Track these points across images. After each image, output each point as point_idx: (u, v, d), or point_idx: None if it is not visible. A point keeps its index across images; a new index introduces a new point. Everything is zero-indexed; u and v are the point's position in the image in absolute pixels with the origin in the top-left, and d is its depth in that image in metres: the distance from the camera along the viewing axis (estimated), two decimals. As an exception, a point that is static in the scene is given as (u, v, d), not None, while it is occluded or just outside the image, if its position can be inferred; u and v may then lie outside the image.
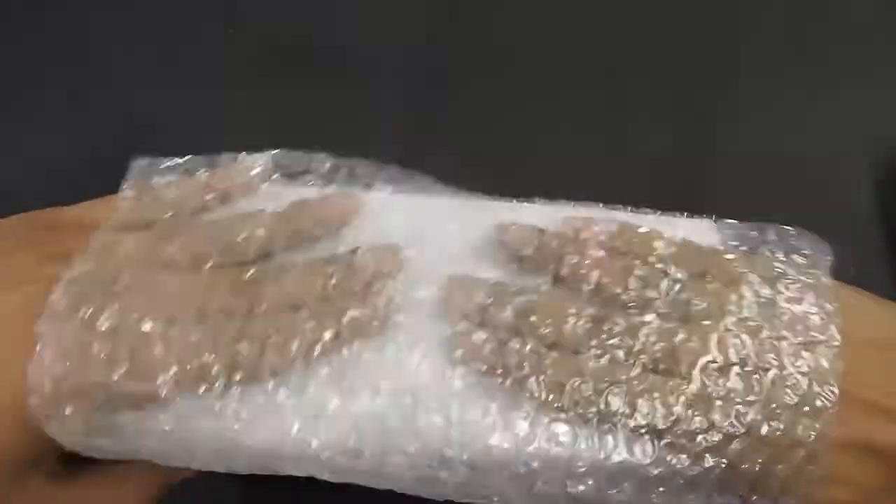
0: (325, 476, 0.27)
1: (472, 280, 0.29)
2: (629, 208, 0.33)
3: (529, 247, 0.29)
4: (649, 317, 0.28)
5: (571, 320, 0.27)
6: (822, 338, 0.27)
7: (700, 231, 0.32)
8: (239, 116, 0.34)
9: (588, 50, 0.48)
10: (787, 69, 0.48)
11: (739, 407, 0.26)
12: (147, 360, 0.25)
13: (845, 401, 0.26)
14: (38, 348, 0.25)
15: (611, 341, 0.27)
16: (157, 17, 0.48)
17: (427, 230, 0.31)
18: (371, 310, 0.28)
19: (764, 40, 0.49)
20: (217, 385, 0.26)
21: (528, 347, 0.27)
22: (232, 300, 0.27)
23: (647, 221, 0.32)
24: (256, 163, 0.31)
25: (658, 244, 0.29)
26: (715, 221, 0.33)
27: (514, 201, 0.33)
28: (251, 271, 0.28)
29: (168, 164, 0.32)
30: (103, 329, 0.26)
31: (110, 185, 0.31)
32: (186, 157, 0.31)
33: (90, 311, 0.26)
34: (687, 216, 0.33)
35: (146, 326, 0.26)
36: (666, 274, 0.28)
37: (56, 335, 0.25)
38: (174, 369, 0.25)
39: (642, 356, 0.27)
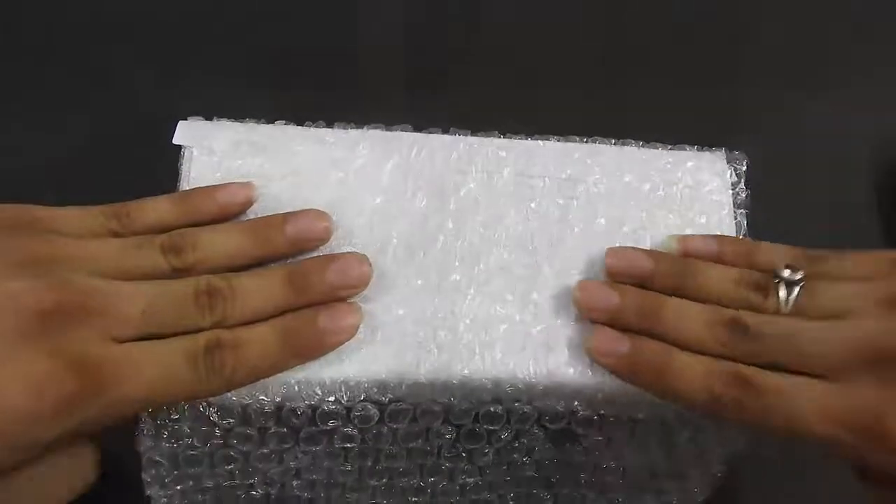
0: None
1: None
2: (640, 143, 0.33)
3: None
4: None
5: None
6: None
7: (709, 161, 0.32)
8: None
9: (588, 51, 0.48)
10: (787, 69, 0.48)
11: None
12: None
13: (873, 437, 0.24)
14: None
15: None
16: (158, 17, 0.48)
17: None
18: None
19: (764, 41, 0.50)
20: None
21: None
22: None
23: (657, 155, 0.32)
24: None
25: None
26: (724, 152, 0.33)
27: (529, 139, 0.33)
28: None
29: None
30: None
31: (110, 183, 0.31)
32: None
33: None
34: (697, 148, 0.33)
35: None
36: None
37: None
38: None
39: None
